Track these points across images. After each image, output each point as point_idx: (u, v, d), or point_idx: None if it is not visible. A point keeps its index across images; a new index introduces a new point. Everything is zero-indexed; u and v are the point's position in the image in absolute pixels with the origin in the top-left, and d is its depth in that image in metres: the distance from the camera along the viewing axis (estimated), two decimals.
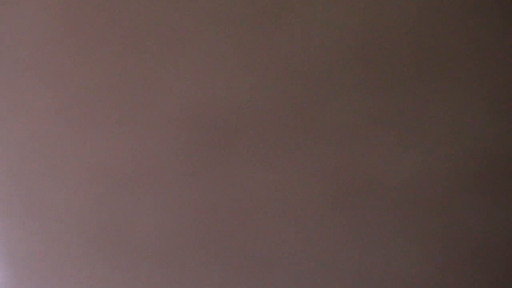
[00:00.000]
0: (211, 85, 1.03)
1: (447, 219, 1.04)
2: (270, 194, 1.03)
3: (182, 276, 1.04)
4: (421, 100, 1.03)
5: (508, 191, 1.04)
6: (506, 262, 1.04)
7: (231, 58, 1.03)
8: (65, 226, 1.04)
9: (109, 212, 1.04)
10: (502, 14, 1.03)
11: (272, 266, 1.04)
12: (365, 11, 1.03)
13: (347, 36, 1.03)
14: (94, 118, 1.04)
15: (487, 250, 1.04)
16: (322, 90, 1.03)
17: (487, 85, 1.03)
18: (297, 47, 1.03)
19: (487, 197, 1.04)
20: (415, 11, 1.03)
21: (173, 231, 1.04)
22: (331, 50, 1.03)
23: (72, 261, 1.04)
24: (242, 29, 1.03)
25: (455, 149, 1.03)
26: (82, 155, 1.04)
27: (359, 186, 1.04)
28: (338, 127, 1.03)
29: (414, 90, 1.03)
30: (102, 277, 1.04)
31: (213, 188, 1.04)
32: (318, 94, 1.03)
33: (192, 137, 1.03)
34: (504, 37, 1.03)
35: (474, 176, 1.04)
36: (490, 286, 1.05)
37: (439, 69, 1.03)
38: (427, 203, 1.04)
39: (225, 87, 1.03)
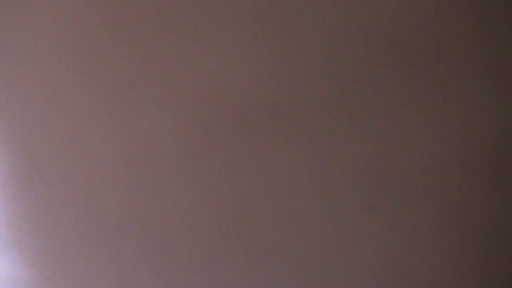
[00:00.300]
0: (237, 72, 1.04)
1: (465, 208, 1.04)
2: (295, 181, 1.04)
3: (206, 262, 1.05)
4: (440, 90, 1.03)
5: None
6: None
7: (255, 43, 1.04)
8: (90, 216, 1.05)
9: (133, 200, 1.05)
10: None
11: (295, 253, 1.04)
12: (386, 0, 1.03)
13: (369, 25, 1.03)
14: (113, 105, 1.05)
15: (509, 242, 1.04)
16: (344, 78, 1.03)
17: (505, 77, 1.03)
18: (318, 33, 1.03)
19: (507, 188, 1.04)
20: (434, 6, 1.03)
21: (196, 218, 1.04)
22: (352, 37, 1.03)
23: (97, 250, 1.05)
24: (265, 13, 1.03)
25: (474, 137, 1.03)
26: (104, 143, 1.05)
27: (376, 174, 1.04)
28: (357, 115, 1.03)
29: (432, 82, 1.03)
30: (125, 264, 1.05)
31: (237, 176, 1.04)
32: (340, 81, 1.03)
33: (216, 124, 1.04)
34: None
35: (496, 165, 1.04)
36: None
37: (459, 61, 1.03)
38: (443, 193, 1.04)
39: (250, 73, 1.04)
